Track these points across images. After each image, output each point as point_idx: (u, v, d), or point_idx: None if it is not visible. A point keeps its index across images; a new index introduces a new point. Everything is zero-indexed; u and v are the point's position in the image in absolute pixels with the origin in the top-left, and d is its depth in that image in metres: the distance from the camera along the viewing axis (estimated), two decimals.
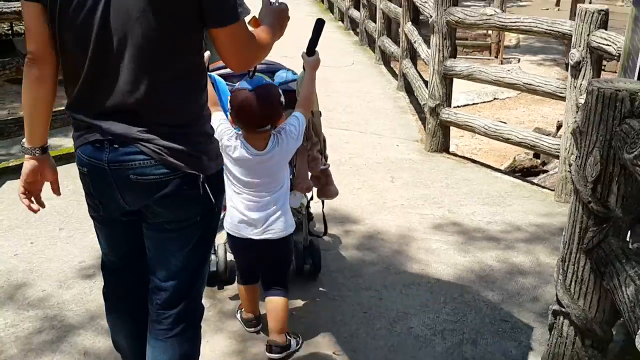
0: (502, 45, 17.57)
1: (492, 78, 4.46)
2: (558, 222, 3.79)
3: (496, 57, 17.64)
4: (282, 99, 2.35)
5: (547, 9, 29.34)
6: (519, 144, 4.43)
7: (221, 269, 2.92)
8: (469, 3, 24.95)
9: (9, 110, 7.13)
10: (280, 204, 2.43)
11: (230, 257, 2.88)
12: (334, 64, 8.04)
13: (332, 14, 12.14)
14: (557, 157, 4.14)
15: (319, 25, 2.43)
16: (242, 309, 2.73)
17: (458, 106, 11.75)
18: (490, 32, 13.45)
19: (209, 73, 2.37)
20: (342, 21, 11.01)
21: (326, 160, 2.92)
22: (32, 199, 1.95)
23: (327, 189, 2.94)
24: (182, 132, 1.70)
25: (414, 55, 6.56)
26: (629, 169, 1.77)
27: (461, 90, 11.38)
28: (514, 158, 6.85)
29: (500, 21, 4.33)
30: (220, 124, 2.31)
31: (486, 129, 4.58)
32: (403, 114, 6.09)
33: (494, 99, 12.68)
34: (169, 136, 1.67)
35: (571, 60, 3.82)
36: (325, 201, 3.07)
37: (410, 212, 3.87)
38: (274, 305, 2.52)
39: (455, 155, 5.03)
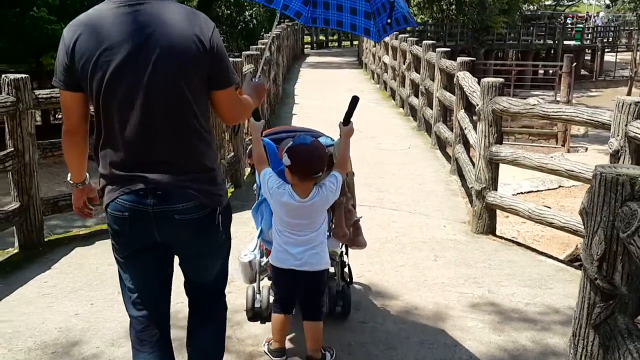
0: (569, 134, 17.51)
1: (535, 164, 4.60)
2: None
3: (563, 145, 17.57)
4: (328, 154, 2.87)
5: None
6: (561, 228, 4.49)
7: (264, 306, 3.38)
8: (537, 92, 25.12)
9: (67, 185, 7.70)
10: (318, 241, 2.88)
11: (272, 299, 3.30)
12: (391, 148, 8.36)
13: (394, 100, 12.59)
14: None
15: (354, 101, 2.93)
16: (270, 342, 3.10)
17: (522, 192, 11.75)
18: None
19: (262, 137, 3.01)
20: (403, 107, 11.41)
21: (357, 214, 3.37)
22: (84, 211, 2.49)
23: (357, 240, 3.37)
24: (209, 176, 2.19)
25: (466, 141, 6.75)
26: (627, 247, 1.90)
27: (525, 177, 11.39)
28: (577, 246, 6.80)
29: (542, 111, 4.52)
30: (271, 176, 2.86)
31: (530, 213, 4.67)
32: (453, 196, 6.24)
33: (559, 186, 12.58)
34: (200, 181, 2.16)
35: (610, 148, 3.93)
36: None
37: (450, 290, 3.96)
38: (311, 327, 2.99)
39: (501, 237, 5.10)
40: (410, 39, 10.92)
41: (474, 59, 6.96)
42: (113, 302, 3.71)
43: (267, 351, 3.11)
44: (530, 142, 17.84)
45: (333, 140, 3.16)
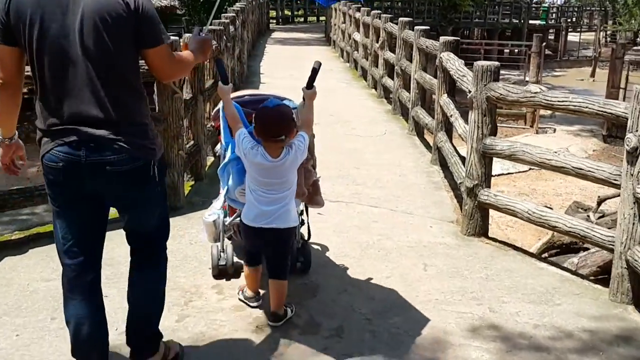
0: (538, 115, 17.21)
1: (536, 160, 4.06)
2: (615, 328, 3.31)
3: (531, 126, 17.27)
4: (295, 117, 3.00)
5: (582, 80, 29.07)
6: (567, 233, 3.99)
7: (229, 264, 3.59)
8: (504, 72, 24.88)
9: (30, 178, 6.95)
10: (287, 201, 3.02)
11: (235, 259, 3.63)
12: (365, 134, 7.76)
13: (365, 81, 11.98)
14: (611, 250, 3.67)
15: (316, 66, 3.13)
16: (244, 290, 3.34)
17: (492, 175, 11.33)
18: None
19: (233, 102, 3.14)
20: (375, 89, 10.81)
21: (316, 174, 3.51)
22: (11, 168, 2.57)
23: (315, 199, 3.50)
24: (140, 129, 2.35)
25: (449, 128, 6.22)
26: None
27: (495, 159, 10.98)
28: (553, 233, 6.35)
29: (546, 100, 3.97)
30: (245, 136, 2.98)
31: (530, 215, 4.15)
32: (437, 190, 5.70)
33: (530, 169, 12.21)
34: (131, 134, 2.31)
35: (627, 145, 3.42)
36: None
37: (446, 310, 3.42)
38: (276, 285, 3.15)
39: (495, 240, 4.58)
40: (385, 15, 10.28)
41: (458, 38, 6.38)
42: (44, 332, 3.05)
43: (242, 298, 3.34)
44: (498, 123, 17.53)
45: (296, 104, 3.30)
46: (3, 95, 2.36)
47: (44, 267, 3.71)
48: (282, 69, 13.24)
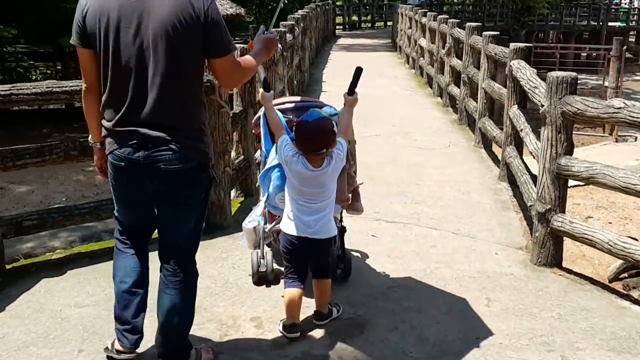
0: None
1: (619, 184, 3.57)
2: None
3: (610, 134, 16.23)
4: (335, 128, 2.99)
5: None
6: None
7: (269, 270, 3.54)
8: (582, 76, 23.63)
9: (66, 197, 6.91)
10: (328, 210, 3.01)
11: (275, 266, 3.61)
12: (427, 146, 7.34)
13: (431, 88, 11.51)
14: None
15: (358, 72, 3.10)
16: (283, 321, 3.12)
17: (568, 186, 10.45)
18: None
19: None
20: (441, 97, 10.34)
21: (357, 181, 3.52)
22: (106, 170, 2.67)
23: (355, 205, 3.51)
24: (194, 134, 2.46)
25: (519, 142, 5.73)
26: None
27: None
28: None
29: (632, 116, 3.48)
30: (287, 143, 2.97)
31: (611, 246, 3.66)
32: (504, 210, 5.23)
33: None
34: (187, 137, 2.43)
35: None
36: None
37: (511, 357, 3.01)
38: (320, 284, 3.15)
39: (569, 271, 4.09)
40: (451, 20, 9.81)
41: (530, 45, 5.89)
42: None
43: (281, 329, 3.12)
44: (575, 131, 16.59)
45: (337, 110, 3.26)
46: (89, 100, 2.53)
47: (79, 291, 3.54)
48: (344, 76, 12.81)
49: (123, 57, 2.34)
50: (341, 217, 3.58)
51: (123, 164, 2.45)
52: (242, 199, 5.27)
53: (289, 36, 8.19)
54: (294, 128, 2.99)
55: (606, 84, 19.37)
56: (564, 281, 3.90)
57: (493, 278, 3.90)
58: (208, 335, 3.12)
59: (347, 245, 4.10)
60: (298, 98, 3.55)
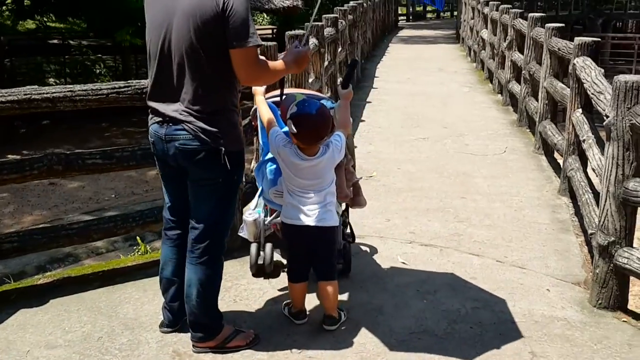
0: None
1: None
2: None
3: None
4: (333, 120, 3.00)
5: None
6: None
7: (267, 262, 3.55)
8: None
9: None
10: (329, 199, 2.96)
11: (276, 256, 3.62)
12: (480, 151, 6.62)
13: (491, 84, 10.68)
14: None
15: (353, 65, 3.24)
16: (290, 306, 3.18)
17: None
18: None
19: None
20: (501, 94, 9.52)
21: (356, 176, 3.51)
22: None
23: (357, 199, 3.51)
24: (211, 118, 2.61)
25: (583, 152, 4.97)
26: None
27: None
28: None
29: None
30: (278, 135, 2.93)
31: None
32: (562, 232, 4.52)
33: None
34: (202, 120, 2.60)
35: None
36: None
37: None
38: (327, 286, 3.06)
39: (637, 316, 3.38)
40: (514, 10, 8.97)
41: (598, 39, 5.10)
42: None
43: (287, 314, 3.18)
44: None
45: (333, 103, 3.28)
46: None
47: (55, 327, 3.13)
48: (400, 71, 12.25)
49: (155, 43, 2.61)
50: (343, 212, 3.57)
51: (152, 139, 2.73)
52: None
53: (329, 30, 7.60)
54: (290, 120, 2.87)
55: None
56: (629, 330, 3.21)
57: (541, 324, 3.24)
58: None
59: (368, 273, 3.69)
60: (293, 90, 3.49)
